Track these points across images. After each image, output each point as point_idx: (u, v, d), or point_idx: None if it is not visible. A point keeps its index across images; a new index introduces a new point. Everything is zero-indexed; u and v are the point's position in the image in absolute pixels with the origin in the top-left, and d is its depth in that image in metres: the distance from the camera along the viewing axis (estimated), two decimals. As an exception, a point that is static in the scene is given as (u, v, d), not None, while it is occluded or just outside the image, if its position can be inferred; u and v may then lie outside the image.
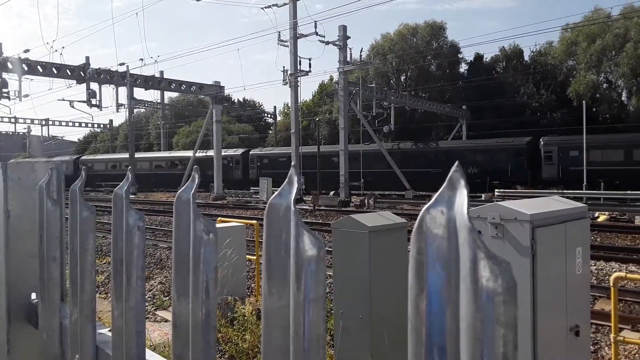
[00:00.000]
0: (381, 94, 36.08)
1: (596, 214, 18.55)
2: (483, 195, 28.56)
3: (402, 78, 52.81)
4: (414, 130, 44.81)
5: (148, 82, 34.73)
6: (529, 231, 3.91)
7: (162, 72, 40.17)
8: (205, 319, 1.01)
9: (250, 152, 44.21)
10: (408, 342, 0.70)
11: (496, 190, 28.25)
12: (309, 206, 26.34)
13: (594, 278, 9.52)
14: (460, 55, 51.31)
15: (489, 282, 0.61)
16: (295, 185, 0.89)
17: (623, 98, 43.68)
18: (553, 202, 4.74)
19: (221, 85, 36.46)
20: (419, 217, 0.69)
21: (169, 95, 59.09)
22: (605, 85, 43.54)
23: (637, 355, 5.84)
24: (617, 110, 42.54)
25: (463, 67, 52.61)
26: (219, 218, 10.15)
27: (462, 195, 0.69)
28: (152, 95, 51.85)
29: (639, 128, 37.14)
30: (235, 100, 67.72)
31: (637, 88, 40.55)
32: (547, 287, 3.99)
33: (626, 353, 5.87)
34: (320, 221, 20.22)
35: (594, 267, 10.37)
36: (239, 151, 45.03)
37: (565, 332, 4.20)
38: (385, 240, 5.04)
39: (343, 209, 26.11)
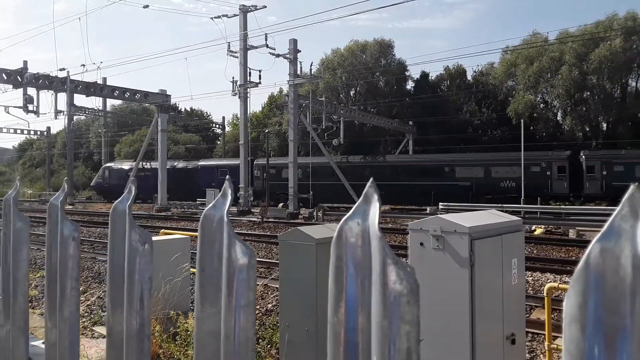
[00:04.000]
0: (331, 107, 36.52)
1: (532, 227, 19.47)
2: (428, 208, 29.32)
3: (352, 93, 53.72)
4: (363, 144, 45.57)
5: (90, 88, 33.55)
6: (468, 243, 4.08)
7: (105, 79, 38.96)
8: (139, 329, 1.02)
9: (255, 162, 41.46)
10: (327, 343, 0.75)
11: (440, 203, 29.07)
12: (257, 218, 26.16)
13: (530, 288, 9.96)
14: (407, 73, 52.86)
15: (396, 285, 0.67)
16: (229, 198, 0.93)
17: (558, 117, 46.24)
18: (490, 216, 4.97)
19: (167, 94, 35.73)
20: (337, 228, 0.75)
21: (112, 102, 57.36)
22: (542, 105, 45.95)
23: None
24: (552, 129, 44.97)
25: (410, 84, 54.20)
26: (162, 230, 9.92)
27: (374, 208, 0.76)
28: (94, 102, 50.16)
29: (572, 146, 39.44)
30: (182, 110, 66.56)
31: (571, 108, 43.05)
32: (485, 297, 4.16)
33: (558, 360, 6.15)
34: (268, 233, 20.11)
35: (531, 277, 10.86)
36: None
37: (502, 340, 4.39)
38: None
39: (292, 221, 26.10)
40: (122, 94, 35.12)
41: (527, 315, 7.73)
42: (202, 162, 43.50)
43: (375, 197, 0.62)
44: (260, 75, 30.63)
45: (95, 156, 61.74)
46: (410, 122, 44.82)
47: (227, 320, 0.80)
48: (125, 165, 46.61)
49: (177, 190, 39.05)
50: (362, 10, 70.78)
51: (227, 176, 1.04)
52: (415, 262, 4.38)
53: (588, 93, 42.06)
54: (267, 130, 42.60)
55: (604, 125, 43.65)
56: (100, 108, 47.41)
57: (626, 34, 39.28)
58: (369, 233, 0.66)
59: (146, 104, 43.58)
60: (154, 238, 10.14)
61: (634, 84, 43.04)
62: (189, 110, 68.80)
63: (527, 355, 6.11)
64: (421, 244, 4.31)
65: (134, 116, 59.59)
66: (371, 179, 0.64)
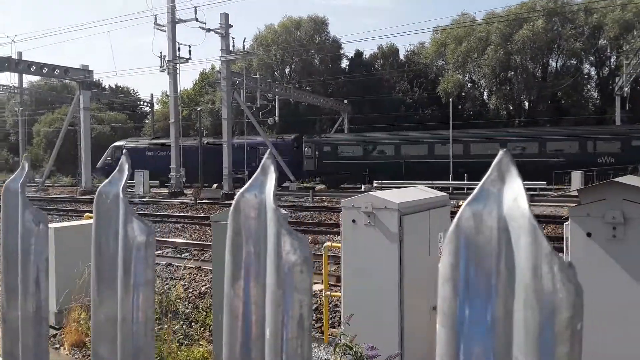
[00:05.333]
0: (265, 85, 36.06)
1: (459, 202, 20.36)
2: (363, 186, 29.92)
3: (287, 70, 53.29)
4: (298, 122, 45.52)
5: (3, 63, 31.14)
6: (397, 219, 4.21)
7: (20, 54, 36.29)
8: (36, 312, 0.97)
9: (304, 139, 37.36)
10: (224, 317, 0.75)
11: (375, 181, 29.74)
12: (190, 199, 25.61)
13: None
14: (341, 51, 53.05)
15: (289, 255, 0.68)
16: (126, 173, 0.89)
17: (485, 97, 48.28)
18: (419, 192, 5.14)
19: (90, 69, 33.85)
20: (234, 200, 0.74)
21: (29, 79, 53.58)
22: (469, 84, 47.76)
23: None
24: (479, 107, 46.93)
25: (345, 63, 54.48)
26: (86, 214, 9.47)
27: (271, 180, 0.76)
28: (9, 78, 46.63)
29: (498, 124, 41.39)
30: (107, 87, 63.29)
31: (496, 88, 45.03)
32: (413, 270, 4.33)
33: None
34: (201, 215, 19.76)
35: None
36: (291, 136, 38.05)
37: (429, 310, 4.60)
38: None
39: (227, 202, 25.77)
40: (39, 70, 32.85)
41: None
42: (236, 140, 38.25)
43: (272, 168, 0.61)
44: (190, 51, 29.54)
45: (12, 137, 57.67)
46: (345, 101, 45.20)
47: (124, 301, 0.77)
48: (141, 143, 41.64)
49: (205, 170, 34.77)
50: (296, -13, 69.62)
51: (125, 150, 0.99)
52: (348, 238, 4.47)
53: (512, 73, 44.12)
54: (199, 109, 41.40)
55: (526, 103, 46.09)
56: (16, 85, 44.15)
57: (548, 15, 41.38)
58: (265, 205, 0.66)
59: (67, 81, 41.06)
60: (75, 222, 9.66)
61: (554, 63, 45.62)
62: (114, 87, 65.56)
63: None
64: (353, 220, 4.40)
65: (53, 93, 56.03)
66: (268, 151, 0.63)
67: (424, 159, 32.08)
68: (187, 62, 29.17)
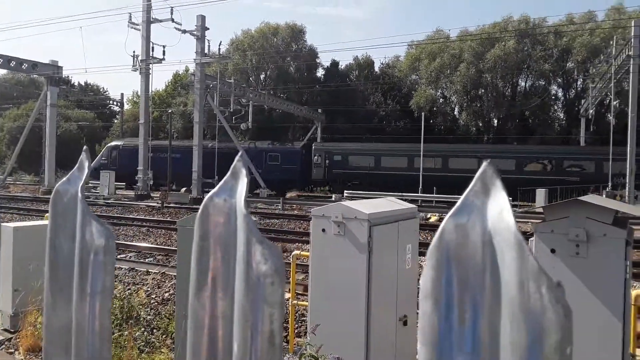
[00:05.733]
0: (240, 90, 35.83)
1: (428, 215, 20.59)
2: (333, 195, 29.95)
3: (262, 76, 53.17)
4: (272, 129, 45.38)
5: (-33, 56, 30.10)
6: (367, 229, 4.21)
7: (-14, 46, 35.14)
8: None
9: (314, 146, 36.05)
10: (188, 330, 0.70)
11: (345, 191, 29.82)
12: (157, 203, 25.13)
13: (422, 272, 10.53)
14: (317, 60, 53.29)
15: (260, 265, 0.64)
16: (86, 171, 0.83)
17: (456, 112, 49.19)
18: (389, 203, 5.15)
19: (59, 65, 33.02)
20: (202, 204, 0.70)
21: (-6, 72, 51.90)
22: (441, 99, 48.60)
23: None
24: (450, 122, 47.77)
25: (320, 72, 54.71)
26: (47, 214, 9.19)
27: (242, 184, 0.72)
28: (-25, 71, 45.16)
29: (468, 139, 42.20)
30: (76, 84, 61.77)
31: (467, 104, 45.96)
32: (381, 280, 4.32)
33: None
34: (167, 219, 19.41)
35: (423, 262, 11.50)
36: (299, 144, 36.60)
37: (395, 322, 4.59)
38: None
39: (195, 206, 25.39)
40: (6, 63, 31.84)
41: (418, 298, 8.13)
42: (244, 144, 36.53)
43: (244, 172, 0.57)
44: (164, 51, 29.12)
45: (-25, 131, 55.66)
46: (320, 110, 45.34)
47: (79, 308, 0.71)
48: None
49: (212, 176, 33.74)
50: (274, -6, 69.73)
51: (85, 147, 0.94)
52: (317, 247, 4.44)
53: (482, 90, 45.14)
54: (170, 111, 40.78)
55: (495, 121, 47.16)
56: (-19, 78, 42.69)
57: (519, 36, 42.56)
58: (235, 210, 0.62)
59: (34, 75, 39.91)
60: (35, 222, 9.33)
61: (523, 83, 46.88)
62: (83, 84, 64.09)
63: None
64: (323, 230, 4.38)
65: (20, 88, 54.39)
66: (240, 153, 0.60)
67: (437, 172, 30.92)
68: (161, 62, 28.80)
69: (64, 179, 0.71)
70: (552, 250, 3.30)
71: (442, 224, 0.56)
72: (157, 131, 44.81)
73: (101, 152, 40.28)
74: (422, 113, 34.98)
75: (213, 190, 0.62)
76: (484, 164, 0.53)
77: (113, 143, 40.86)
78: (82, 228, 0.75)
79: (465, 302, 0.51)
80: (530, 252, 0.47)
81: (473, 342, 0.49)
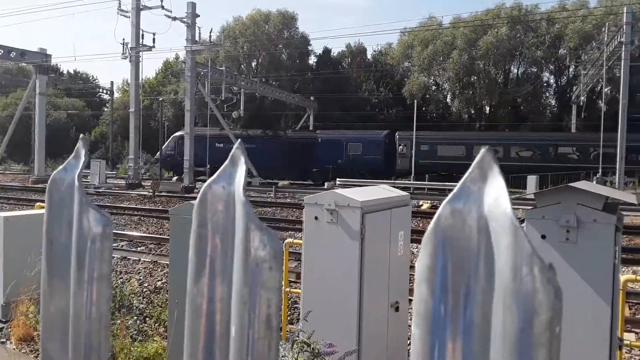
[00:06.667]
0: (231, 78, 35.60)
1: (420, 202, 20.70)
2: (326, 183, 29.98)
3: (253, 64, 52.82)
4: (264, 117, 45.21)
5: (-45, 43, 29.66)
6: (360, 217, 4.23)
7: (-26, 33, 34.53)
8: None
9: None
10: (186, 315, 0.71)
11: (338, 179, 29.85)
12: (148, 192, 25.03)
13: (415, 259, 10.61)
14: (310, 47, 53.00)
15: (259, 251, 0.65)
16: (82, 159, 0.83)
17: (448, 100, 49.24)
18: (382, 191, 5.17)
19: (48, 53, 32.61)
20: (201, 191, 0.70)
21: (-18, 60, 51.08)
22: (434, 87, 48.59)
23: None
24: (442, 110, 47.82)
25: (312, 59, 54.44)
26: (38, 204, 9.08)
27: (241, 171, 0.72)
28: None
29: (459, 126, 42.30)
30: (65, 72, 61.03)
31: (459, 91, 45.99)
32: (373, 268, 4.35)
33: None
34: (160, 207, 19.35)
35: (416, 249, 11.57)
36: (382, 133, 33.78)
37: (387, 308, 4.64)
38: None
39: (186, 195, 25.33)
40: (-6, 51, 31.46)
41: (410, 284, 8.21)
42: (321, 134, 33.98)
43: (242, 159, 0.58)
44: (154, 39, 28.80)
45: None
46: (312, 98, 45.19)
47: (77, 296, 0.72)
48: (212, 134, 36.22)
49: (288, 167, 31.40)
50: (266, -20, 68.87)
51: (82, 135, 0.93)
52: (310, 235, 4.46)
53: (475, 77, 45.14)
54: (161, 99, 40.42)
55: (487, 108, 47.27)
56: (-32, 66, 42.12)
57: (512, 23, 42.52)
58: (234, 198, 0.62)
59: (23, 64, 39.36)
60: (26, 212, 9.26)
61: (515, 70, 46.95)
62: (72, 72, 63.32)
63: (408, 321, 6.52)
64: (316, 217, 4.39)
65: (8, 76, 53.69)
66: (239, 140, 0.60)
67: (534, 162, 29.40)
68: (151, 50, 28.51)
69: (60, 167, 0.71)
70: (543, 236, 3.33)
71: (439, 210, 0.57)
72: (147, 119, 44.47)
73: (167, 143, 36.91)
74: (415, 100, 34.93)
75: (212, 178, 0.62)
76: (483, 150, 0.54)
77: (179, 133, 36.48)
78: (79, 216, 0.75)
79: (460, 285, 0.52)
80: (525, 236, 0.48)
81: (466, 324, 0.50)
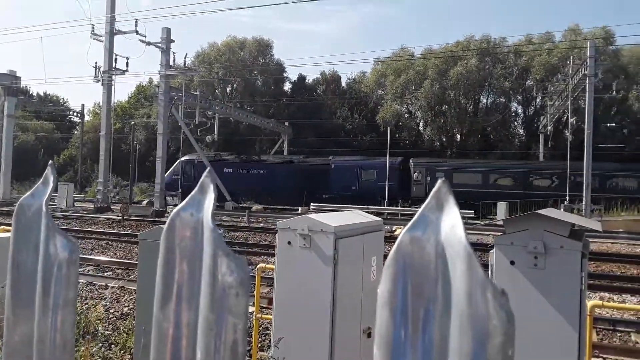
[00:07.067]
0: (205, 102, 35.55)
1: (393, 228, 20.82)
2: (300, 208, 29.94)
3: (228, 89, 53.00)
4: (238, 142, 45.17)
5: None
6: (333, 242, 4.24)
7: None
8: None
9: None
10: (152, 341, 0.71)
11: (312, 204, 29.87)
12: (117, 216, 24.54)
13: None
14: (285, 74, 53.58)
15: (226, 277, 0.66)
16: (51, 185, 0.83)
17: (420, 127, 50.20)
18: (355, 216, 5.20)
19: (17, 75, 32.15)
20: (169, 218, 0.71)
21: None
22: (406, 114, 49.54)
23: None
24: (415, 137, 48.70)
25: (287, 86, 55.01)
26: (2, 227, 8.81)
27: (210, 199, 0.74)
28: None
29: (432, 154, 43.05)
30: (35, 94, 60.03)
31: (431, 119, 46.99)
32: (346, 293, 4.34)
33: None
34: (128, 232, 18.97)
35: (389, 275, 11.61)
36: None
37: (359, 334, 4.62)
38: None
39: (156, 219, 24.92)
40: (-39, 71, 30.85)
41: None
42: (336, 159, 33.62)
43: (212, 187, 0.59)
44: (127, 63, 28.67)
45: None
46: (287, 123, 45.45)
47: (41, 322, 0.71)
48: (220, 159, 36.19)
49: (300, 191, 30.83)
50: (242, 7, 70.07)
51: (51, 161, 0.93)
52: (282, 260, 4.44)
53: (446, 106, 46.26)
54: (133, 122, 40.02)
55: (458, 136, 48.34)
56: None
57: (481, 55, 43.95)
58: (202, 224, 0.64)
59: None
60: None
61: (485, 100, 48.32)
62: (42, 95, 62.30)
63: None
64: (289, 242, 4.38)
65: (-24, 98, 52.51)
66: (208, 169, 0.61)
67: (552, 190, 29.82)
68: (124, 74, 28.36)
69: (28, 193, 0.71)
70: (512, 262, 3.40)
71: (399, 237, 0.60)
72: (119, 143, 43.92)
73: (172, 168, 35.77)
74: (388, 128, 35.49)
75: (180, 205, 0.63)
76: (439, 182, 0.57)
77: (186, 157, 36.67)
78: (45, 241, 0.75)
79: (420, 309, 0.54)
80: (478, 263, 0.51)
81: (425, 347, 0.52)
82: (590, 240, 4.06)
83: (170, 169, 35.39)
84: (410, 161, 32.75)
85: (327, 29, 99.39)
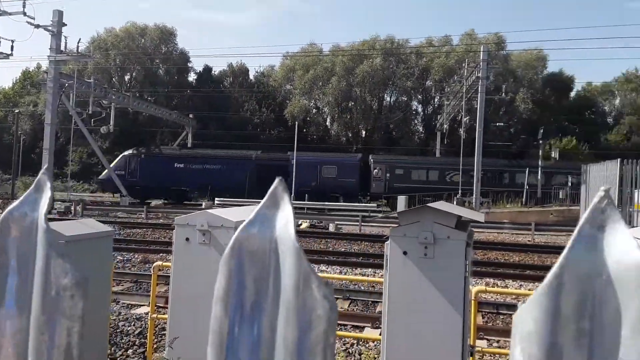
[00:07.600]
0: (100, 91, 33.38)
1: (299, 222, 21.03)
2: (203, 203, 29.23)
3: (127, 78, 50.33)
4: (137, 133, 43.08)
5: None
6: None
7: None
8: None
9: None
10: None
11: (216, 198, 29.28)
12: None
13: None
14: (190, 64, 51.91)
15: (59, 278, 0.63)
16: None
17: (327, 123, 51.13)
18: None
19: None
20: (1, 218, 0.66)
21: None
22: (314, 110, 50.20)
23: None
24: (322, 132, 49.52)
25: (192, 77, 53.36)
26: None
27: (46, 198, 0.70)
28: None
29: (339, 149, 44.04)
30: None
31: (338, 115, 48.02)
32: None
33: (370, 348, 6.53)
34: None
35: (293, 268, 11.70)
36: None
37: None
38: (88, 250, 4.67)
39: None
40: None
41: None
42: (296, 155, 32.27)
43: (48, 185, 0.55)
44: (12, 46, 26.06)
45: None
46: (191, 115, 44.11)
47: None
48: (167, 153, 33.86)
49: (259, 187, 28.97)
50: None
51: (46, 165, 0.81)
52: (180, 257, 4.30)
53: (352, 103, 47.55)
54: (17, 111, 36.73)
55: (363, 132, 49.90)
56: None
57: (385, 55, 45.62)
58: (37, 225, 0.59)
59: None
60: None
61: (388, 98, 50.31)
62: None
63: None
64: (187, 239, 4.25)
65: None
66: (45, 166, 0.57)
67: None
68: (8, 58, 25.85)
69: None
70: (405, 252, 3.58)
71: (235, 234, 0.60)
72: (1, 133, 40.08)
73: (115, 162, 33.50)
74: (296, 122, 35.71)
75: (14, 204, 0.58)
76: (276, 180, 0.58)
77: (130, 152, 34.13)
78: None
79: (253, 303, 0.55)
80: (304, 257, 0.52)
81: (255, 340, 0.52)
82: (478, 230, 4.37)
83: (113, 164, 33.40)
84: (370, 157, 33.19)
85: (237, 21, 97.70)
